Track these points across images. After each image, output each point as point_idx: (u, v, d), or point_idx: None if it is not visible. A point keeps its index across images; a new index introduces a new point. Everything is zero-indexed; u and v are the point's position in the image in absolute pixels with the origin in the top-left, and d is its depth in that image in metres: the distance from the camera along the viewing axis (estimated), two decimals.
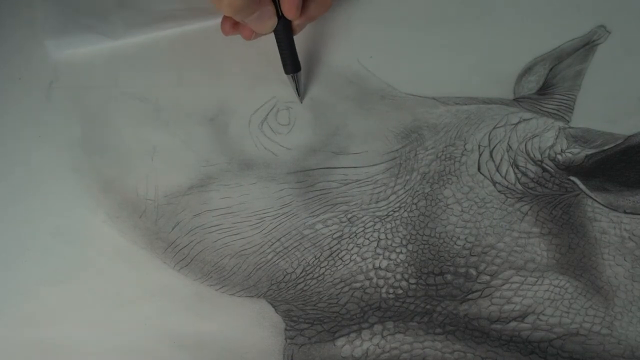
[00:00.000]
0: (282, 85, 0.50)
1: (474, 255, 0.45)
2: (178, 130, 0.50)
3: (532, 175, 0.46)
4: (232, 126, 0.50)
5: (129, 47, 0.52)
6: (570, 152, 0.46)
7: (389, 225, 0.46)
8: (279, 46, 0.48)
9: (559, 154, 0.47)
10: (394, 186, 0.47)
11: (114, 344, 0.45)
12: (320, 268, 0.45)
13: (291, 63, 0.48)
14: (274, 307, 0.45)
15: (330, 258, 0.45)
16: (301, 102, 0.50)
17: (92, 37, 0.53)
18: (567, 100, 0.49)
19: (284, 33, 0.47)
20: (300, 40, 0.50)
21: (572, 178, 0.46)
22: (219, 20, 0.49)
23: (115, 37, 0.53)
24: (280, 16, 0.46)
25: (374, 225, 0.46)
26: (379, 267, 0.45)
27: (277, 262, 0.45)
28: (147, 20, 0.53)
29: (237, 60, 0.52)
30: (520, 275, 0.44)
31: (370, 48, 0.50)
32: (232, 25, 0.48)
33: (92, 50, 0.53)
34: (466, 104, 0.49)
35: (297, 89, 0.49)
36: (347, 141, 0.48)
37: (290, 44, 0.48)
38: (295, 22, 0.46)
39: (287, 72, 0.49)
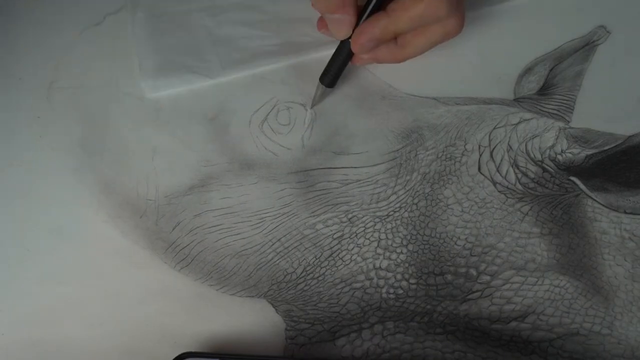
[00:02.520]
0: (282, 85, 0.50)
1: (475, 256, 0.45)
2: (178, 130, 0.50)
3: (532, 175, 0.46)
4: (233, 126, 0.50)
5: (226, 84, 0.52)
6: (570, 153, 0.47)
7: (389, 226, 0.46)
8: (334, 55, 0.48)
9: (559, 154, 0.47)
10: (395, 186, 0.47)
11: (114, 344, 0.45)
12: (321, 268, 0.45)
13: (331, 77, 0.48)
14: (274, 307, 0.45)
15: (330, 258, 0.45)
16: (308, 109, 0.50)
17: (188, 77, 0.51)
18: (567, 100, 0.49)
19: (347, 52, 0.47)
20: (300, 41, 0.50)
21: (572, 178, 0.46)
22: (314, 55, 0.51)
23: (212, 76, 0.52)
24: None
25: (375, 225, 0.46)
26: (380, 267, 0.45)
27: (277, 262, 0.45)
28: (243, 57, 0.52)
29: None
30: (521, 276, 0.44)
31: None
32: (323, 23, 0.49)
33: (189, 90, 0.52)
34: (467, 104, 0.49)
35: (314, 98, 0.49)
36: (348, 141, 0.49)
37: (344, 63, 0.48)
38: (359, 56, 0.47)
39: (321, 81, 0.49)
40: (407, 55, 0.47)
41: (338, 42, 0.47)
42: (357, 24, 0.46)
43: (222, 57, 0.52)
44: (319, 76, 0.49)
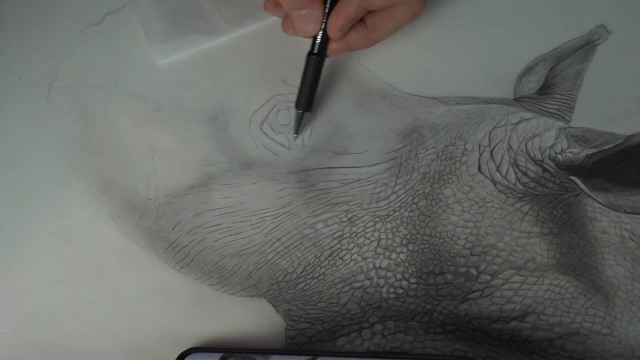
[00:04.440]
0: (282, 84, 0.50)
1: (475, 255, 0.45)
2: (179, 129, 0.50)
3: (532, 175, 0.46)
4: (233, 126, 0.50)
5: (233, 41, 0.52)
6: (570, 152, 0.47)
7: (389, 225, 0.46)
8: (303, 76, 0.47)
9: (559, 153, 0.47)
10: (395, 186, 0.47)
11: (114, 344, 0.45)
12: (321, 267, 0.45)
13: (305, 99, 0.47)
14: (274, 306, 0.45)
15: (330, 257, 0.45)
16: (294, 139, 0.49)
17: (195, 38, 0.52)
18: (567, 100, 0.49)
19: (315, 68, 0.47)
20: (300, 40, 0.50)
21: (572, 178, 0.46)
22: None
23: (219, 34, 0.52)
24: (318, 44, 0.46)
25: (375, 224, 0.46)
26: (380, 266, 0.45)
27: (277, 261, 0.45)
28: (247, 11, 0.52)
29: (237, 59, 0.52)
30: (521, 275, 0.44)
31: (371, 48, 0.50)
32: (275, 4, 0.48)
33: (197, 51, 0.52)
34: (467, 104, 0.49)
35: (297, 126, 0.48)
36: (348, 141, 0.49)
37: (315, 80, 0.47)
38: (333, 45, 0.46)
39: (297, 106, 0.47)
40: (378, 38, 0.47)
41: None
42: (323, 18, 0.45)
43: (225, 14, 0.52)
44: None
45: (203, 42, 0.52)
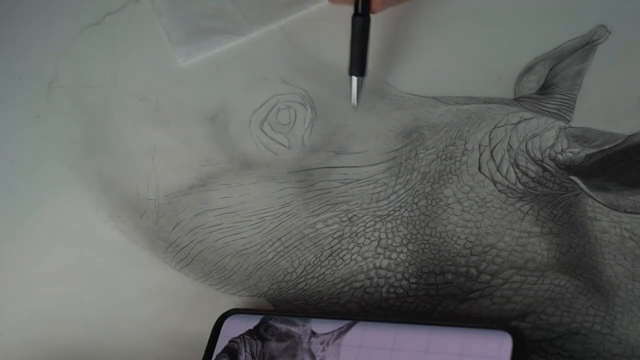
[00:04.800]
0: (282, 84, 0.50)
1: (475, 255, 0.45)
2: (178, 129, 0.50)
3: (532, 174, 0.46)
4: (233, 125, 0.50)
5: (257, 39, 0.52)
6: (570, 152, 0.47)
7: (389, 225, 0.46)
8: (351, 39, 0.46)
9: (560, 153, 0.47)
10: (395, 185, 0.47)
11: (114, 344, 0.45)
12: (321, 267, 0.45)
13: (358, 64, 0.46)
14: (274, 306, 0.45)
15: (330, 257, 0.45)
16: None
17: (218, 38, 0.53)
18: (567, 99, 0.49)
19: (360, 24, 0.45)
20: (300, 40, 0.50)
21: (572, 177, 0.46)
22: None
23: (241, 33, 0.53)
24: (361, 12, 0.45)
25: (375, 224, 0.46)
26: (380, 266, 0.45)
27: (277, 261, 0.45)
28: (267, 10, 0.52)
29: (237, 59, 0.52)
30: (521, 275, 0.44)
31: (371, 48, 0.50)
32: None
33: (221, 51, 0.53)
34: (467, 104, 0.49)
35: (355, 93, 0.47)
36: (348, 140, 0.49)
37: (363, 39, 0.46)
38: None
39: (351, 73, 0.47)
40: None
41: None
42: None
43: (247, 13, 0.53)
44: (318, 70, 0.49)
45: (226, 41, 0.53)
